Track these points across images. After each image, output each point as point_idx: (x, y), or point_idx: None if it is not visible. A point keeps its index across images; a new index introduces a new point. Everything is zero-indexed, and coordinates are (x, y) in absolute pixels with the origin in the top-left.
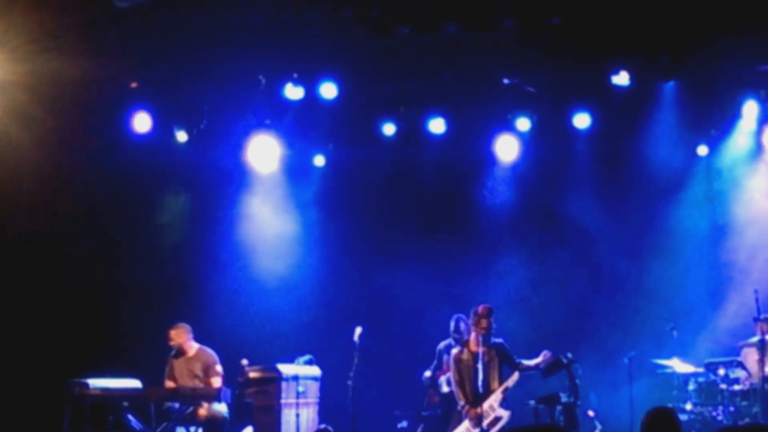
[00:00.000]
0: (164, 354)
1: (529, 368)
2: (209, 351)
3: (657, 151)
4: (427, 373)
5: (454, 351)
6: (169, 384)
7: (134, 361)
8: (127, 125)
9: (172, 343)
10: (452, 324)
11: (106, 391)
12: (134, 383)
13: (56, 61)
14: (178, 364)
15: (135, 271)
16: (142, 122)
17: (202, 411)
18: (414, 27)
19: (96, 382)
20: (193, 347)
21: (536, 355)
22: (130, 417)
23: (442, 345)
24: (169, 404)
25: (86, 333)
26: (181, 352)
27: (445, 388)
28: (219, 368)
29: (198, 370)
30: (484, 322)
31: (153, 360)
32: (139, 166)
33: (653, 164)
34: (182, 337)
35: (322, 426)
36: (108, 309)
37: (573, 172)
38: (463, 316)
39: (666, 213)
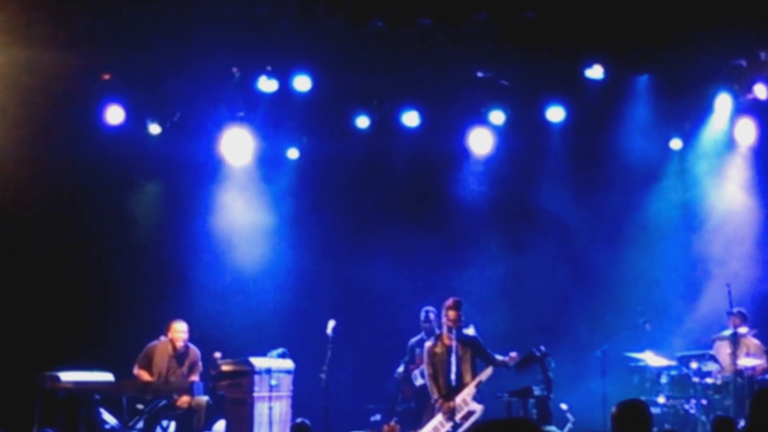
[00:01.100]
0: (137, 347)
1: (501, 364)
2: (196, 349)
3: (631, 144)
4: (400, 369)
5: (428, 344)
6: (142, 373)
7: (106, 355)
8: (99, 117)
9: (179, 339)
10: (422, 315)
11: (78, 385)
12: (106, 376)
13: (28, 53)
14: (164, 358)
15: (107, 264)
16: (114, 114)
17: (184, 400)
18: (388, 20)
19: (68, 376)
20: (185, 344)
21: (511, 349)
22: (102, 410)
23: (413, 340)
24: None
25: (58, 326)
26: (172, 347)
27: (419, 381)
28: (200, 365)
29: (185, 366)
30: (452, 315)
31: (125, 353)
32: (112, 159)
33: (627, 158)
34: (181, 335)
35: (299, 420)
36: (80, 302)
37: (547, 166)
38: (432, 308)
39: (640, 206)
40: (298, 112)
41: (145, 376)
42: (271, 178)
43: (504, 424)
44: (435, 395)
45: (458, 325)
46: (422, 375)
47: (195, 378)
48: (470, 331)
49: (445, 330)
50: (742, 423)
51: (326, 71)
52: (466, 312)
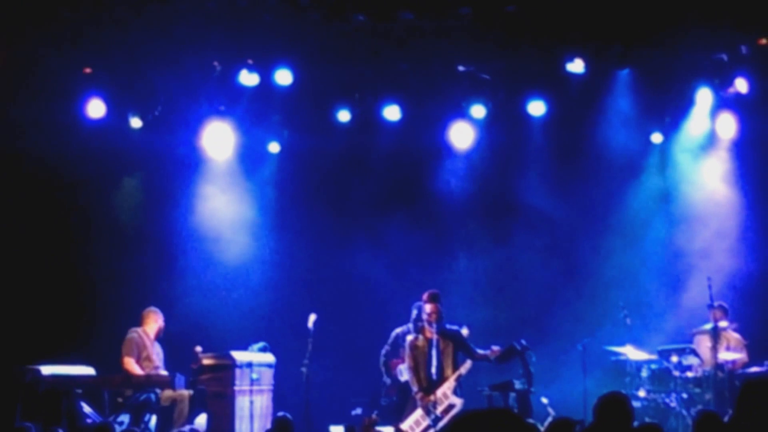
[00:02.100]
0: (118, 341)
1: (483, 358)
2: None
3: (612, 138)
4: (382, 357)
5: (410, 337)
6: (129, 361)
7: (87, 348)
8: (81, 111)
9: (154, 328)
10: (414, 312)
11: (59, 378)
12: (87, 370)
13: (8, 46)
14: (150, 343)
15: (89, 258)
16: (96, 108)
17: (168, 394)
18: (369, 14)
19: (49, 369)
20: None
21: (494, 343)
22: (84, 404)
23: (399, 330)
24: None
25: (39, 320)
26: (155, 333)
27: (404, 376)
28: None
29: (162, 354)
30: (428, 308)
31: (106, 347)
32: (93, 152)
33: (608, 151)
34: (158, 324)
35: (281, 414)
36: (61, 296)
37: (528, 159)
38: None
39: (622, 200)
40: (279, 106)
41: (135, 367)
42: (253, 171)
43: (486, 415)
44: (415, 388)
45: (437, 318)
46: (407, 369)
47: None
48: (464, 332)
49: (426, 324)
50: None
51: (307, 65)
52: (448, 305)
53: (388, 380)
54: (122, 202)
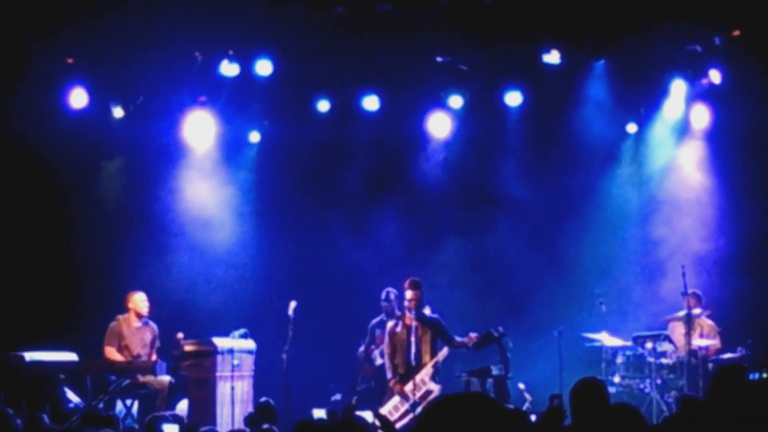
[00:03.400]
0: (100, 326)
1: (461, 345)
2: (154, 324)
3: (588, 128)
4: (360, 349)
5: (390, 324)
6: (110, 350)
7: (70, 335)
8: (64, 101)
9: (144, 307)
10: (383, 295)
11: (43, 365)
12: (70, 356)
13: None
14: (133, 332)
15: (71, 245)
16: (78, 98)
17: (149, 379)
18: (348, 5)
19: (32, 356)
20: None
21: (472, 329)
22: (67, 390)
23: (374, 321)
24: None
25: (22, 306)
26: (133, 321)
27: (379, 361)
28: (158, 342)
29: (148, 339)
30: (408, 295)
31: (89, 333)
32: (76, 141)
33: (584, 141)
34: (146, 304)
35: (263, 399)
36: (44, 282)
37: (505, 149)
38: (393, 289)
39: (598, 188)
40: (259, 96)
41: (116, 355)
42: (233, 161)
43: (462, 399)
44: (389, 375)
45: (417, 305)
46: (381, 355)
47: (154, 353)
48: (426, 311)
49: (405, 310)
50: None
51: (287, 56)
52: (428, 293)
53: (377, 362)
54: (105, 191)
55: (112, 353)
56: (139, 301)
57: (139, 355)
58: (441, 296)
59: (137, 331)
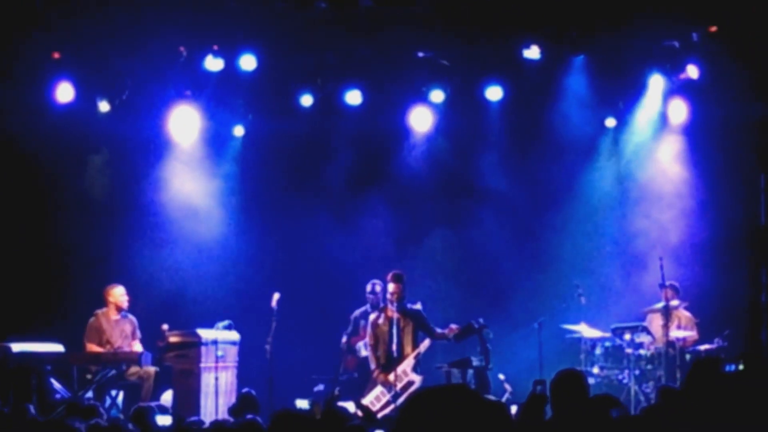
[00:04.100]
0: (86, 318)
1: (442, 336)
2: (132, 316)
3: (568, 122)
4: (343, 340)
5: (372, 316)
6: (92, 346)
7: (56, 326)
8: (50, 95)
9: (125, 301)
10: (368, 287)
11: (29, 356)
12: (57, 347)
13: None
14: (112, 326)
15: (57, 238)
16: (65, 92)
17: (134, 370)
18: (332, 1)
19: (19, 347)
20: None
21: (453, 321)
22: (53, 380)
23: (357, 312)
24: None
25: (8, 298)
26: (112, 314)
27: (363, 352)
28: (139, 332)
29: (128, 331)
30: (391, 287)
31: (75, 325)
32: (62, 135)
33: (564, 135)
34: (126, 297)
35: (245, 390)
36: (30, 274)
37: (486, 142)
38: (378, 281)
39: (578, 182)
40: (243, 91)
41: (97, 350)
42: (218, 154)
43: (443, 391)
44: (373, 366)
45: (399, 297)
46: (366, 346)
47: (138, 344)
48: (417, 306)
49: (388, 303)
50: None
51: (271, 51)
52: (411, 285)
53: (361, 353)
54: (91, 184)
55: (93, 349)
56: (119, 294)
57: (120, 347)
58: (423, 288)
59: (117, 324)
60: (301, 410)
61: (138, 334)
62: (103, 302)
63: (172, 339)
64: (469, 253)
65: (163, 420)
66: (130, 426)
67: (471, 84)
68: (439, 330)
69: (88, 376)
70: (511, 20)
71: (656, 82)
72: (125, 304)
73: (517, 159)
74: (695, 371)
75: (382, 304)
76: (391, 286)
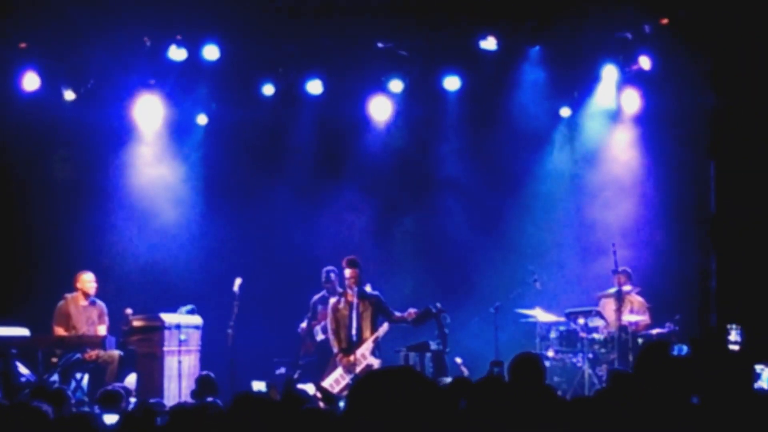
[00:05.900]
0: (51, 302)
1: (400, 320)
2: (101, 302)
3: (524, 112)
4: (303, 325)
5: (332, 300)
6: (59, 330)
7: (21, 310)
8: (16, 84)
9: (92, 287)
10: (323, 275)
11: None
12: (22, 331)
13: None
14: (79, 311)
15: (23, 224)
16: (31, 81)
17: (94, 354)
18: None
19: None
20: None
21: (413, 306)
22: (19, 364)
23: (316, 297)
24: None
25: None
26: (80, 300)
27: (320, 336)
28: (107, 318)
29: (95, 317)
30: (347, 273)
31: (40, 309)
32: (28, 124)
33: (521, 124)
34: (94, 284)
35: (204, 372)
36: None
37: (444, 131)
38: (333, 267)
39: (534, 170)
40: (207, 80)
41: (62, 334)
42: (182, 142)
43: (386, 373)
44: (336, 349)
45: (357, 282)
46: (323, 330)
47: (103, 329)
48: (367, 288)
49: (347, 288)
50: None
51: (234, 41)
52: (370, 271)
53: (318, 337)
54: (57, 170)
55: (60, 333)
56: (87, 281)
57: (86, 333)
58: (383, 274)
59: (84, 310)
60: (258, 392)
61: (106, 320)
62: (73, 287)
63: (136, 323)
64: (427, 239)
65: (110, 419)
66: (96, 409)
67: (429, 74)
68: (398, 313)
69: (54, 360)
70: (469, 12)
71: (610, 73)
72: (92, 291)
73: (474, 148)
74: (644, 355)
75: (340, 289)
76: (347, 272)
